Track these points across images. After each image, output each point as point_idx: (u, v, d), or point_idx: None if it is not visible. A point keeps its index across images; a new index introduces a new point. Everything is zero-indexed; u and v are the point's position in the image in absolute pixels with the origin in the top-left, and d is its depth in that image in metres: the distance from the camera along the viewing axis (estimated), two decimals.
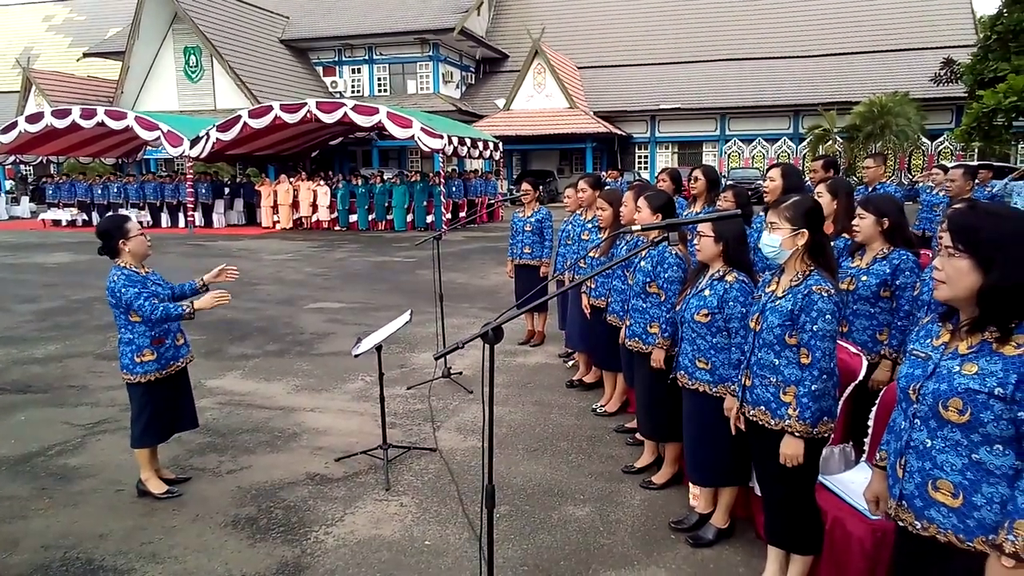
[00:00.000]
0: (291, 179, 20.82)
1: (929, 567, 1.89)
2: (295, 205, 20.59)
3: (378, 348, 4.21)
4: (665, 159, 31.11)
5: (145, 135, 19.19)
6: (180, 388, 3.98)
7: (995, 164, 13.48)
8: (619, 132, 29.81)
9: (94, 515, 3.77)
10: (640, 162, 31.68)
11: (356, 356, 4.22)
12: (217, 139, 18.44)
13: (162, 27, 28.87)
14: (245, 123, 18.10)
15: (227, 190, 22.75)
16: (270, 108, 18.17)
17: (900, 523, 1.95)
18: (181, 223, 21.15)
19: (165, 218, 21.92)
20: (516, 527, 3.60)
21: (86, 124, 18.96)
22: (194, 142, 18.56)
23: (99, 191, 22.39)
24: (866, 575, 2.48)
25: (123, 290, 3.65)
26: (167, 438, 4.04)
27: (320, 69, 33.14)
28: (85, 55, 33.00)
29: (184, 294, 3.96)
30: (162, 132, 18.66)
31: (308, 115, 17.85)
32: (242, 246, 16.68)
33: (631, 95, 31.08)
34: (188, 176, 20.50)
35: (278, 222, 20.68)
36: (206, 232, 20.27)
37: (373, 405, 4.47)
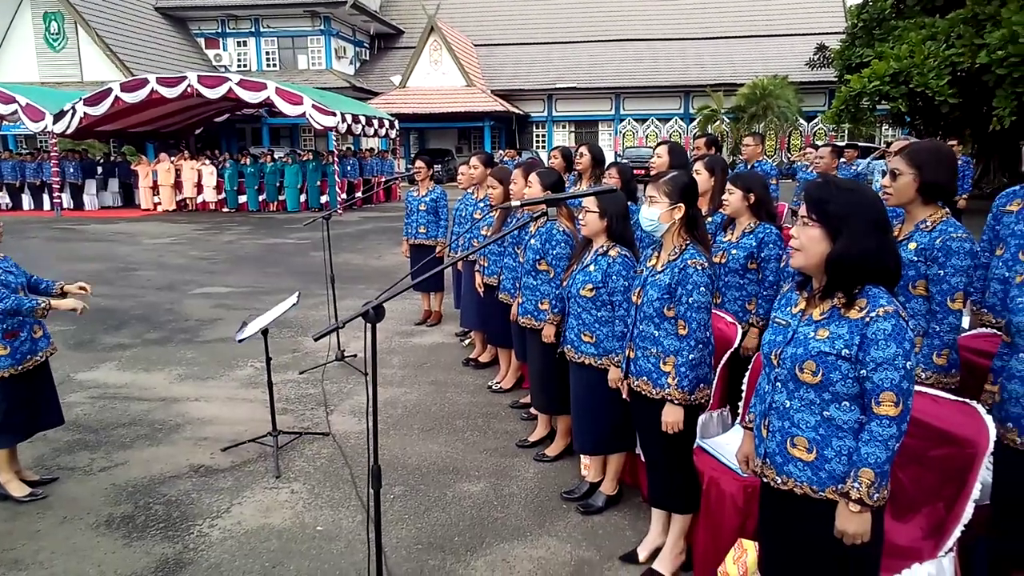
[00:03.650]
0: (172, 158, 19.55)
1: (788, 518, 2.04)
2: (178, 186, 19.36)
3: (264, 332, 4.06)
4: (562, 138, 31.54)
5: (0, 108, 17.45)
6: (40, 383, 3.67)
7: (860, 144, 14.54)
8: (516, 111, 29.92)
9: None
10: (538, 141, 31.96)
11: (240, 341, 4.05)
12: (85, 114, 16.96)
13: None
14: (117, 97, 16.74)
15: (100, 169, 21.07)
16: (145, 81, 16.89)
17: (764, 479, 2.09)
18: (47, 205, 19.43)
19: (27, 200, 20.06)
20: (410, 507, 3.59)
21: None
22: (58, 117, 17.03)
23: None
24: (738, 528, 2.65)
25: None
26: (27, 437, 3.73)
27: (202, 41, 31.19)
28: None
29: (38, 290, 3.69)
30: (20, 105, 17.03)
31: (189, 90, 16.72)
32: (118, 229, 15.55)
33: (528, 74, 31.24)
34: (52, 154, 18.83)
35: (159, 204, 19.41)
36: (77, 215, 18.72)
37: (263, 392, 4.31)
